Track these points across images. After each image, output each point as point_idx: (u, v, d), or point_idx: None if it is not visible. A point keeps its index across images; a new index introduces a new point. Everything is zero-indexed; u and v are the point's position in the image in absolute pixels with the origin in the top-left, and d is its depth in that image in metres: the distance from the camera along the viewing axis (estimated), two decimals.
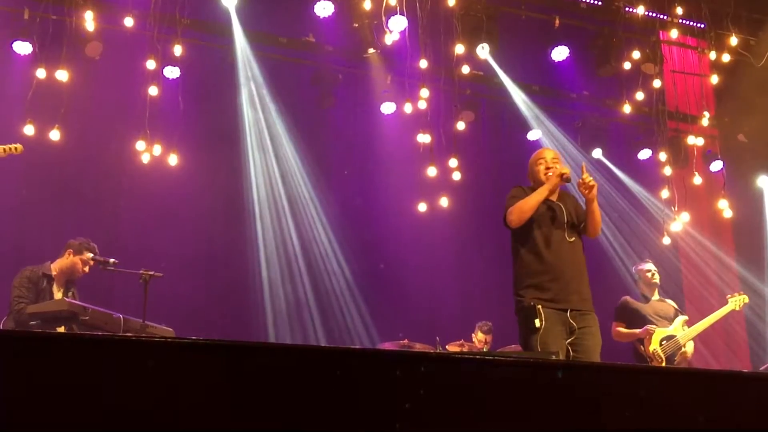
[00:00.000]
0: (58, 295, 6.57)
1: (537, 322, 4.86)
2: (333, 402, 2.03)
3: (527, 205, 5.20)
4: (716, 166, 10.39)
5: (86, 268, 6.66)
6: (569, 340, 4.95)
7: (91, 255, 6.61)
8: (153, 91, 8.51)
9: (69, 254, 6.61)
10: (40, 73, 8.14)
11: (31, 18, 8.28)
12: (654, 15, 10.33)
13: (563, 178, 5.28)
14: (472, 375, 2.24)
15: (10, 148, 6.27)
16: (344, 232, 10.08)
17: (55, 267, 6.61)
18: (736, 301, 7.72)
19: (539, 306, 4.93)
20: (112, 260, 6.51)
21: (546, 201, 5.29)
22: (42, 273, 6.51)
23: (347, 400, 2.05)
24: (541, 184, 5.35)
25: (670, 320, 7.37)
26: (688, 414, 2.47)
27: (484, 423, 2.17)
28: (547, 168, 5.40)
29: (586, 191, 5.24)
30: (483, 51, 9.47)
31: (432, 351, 7.90)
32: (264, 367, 2.02)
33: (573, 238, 5.24)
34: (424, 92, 9.40)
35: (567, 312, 5.00)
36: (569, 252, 5.19)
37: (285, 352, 2.14)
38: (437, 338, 8.15)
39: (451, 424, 2.13)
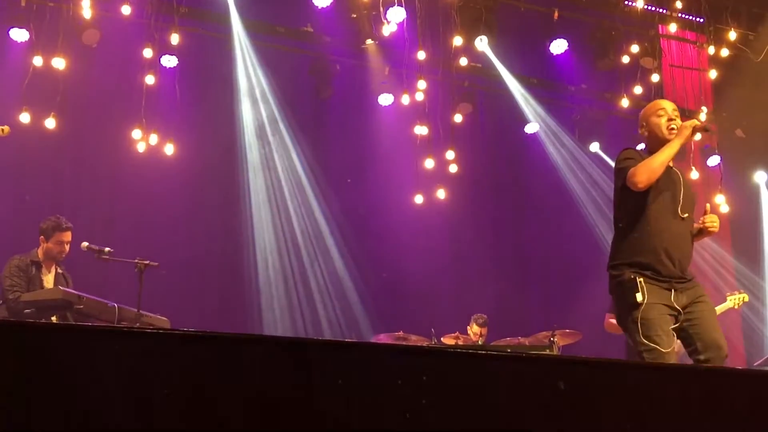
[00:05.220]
0: (47, 279, 6.58)
1: (639, 296, 4.35)
2: (330, 407, 2.02)
3: (657, 161, 4.46)
4: (714, 161, 10.37)
5: (63, 248, 6.60)
6: (682, 319, 4.44)
7: (65, 234, 6.57)
8: (150, 79, 8.49)
9: (42, 241, 6.60)
10: (37, 61, 8.10)
11: (27, 5, 8.23)
12: (653, 9, 10.32)
13: (699, 129, 4.56)
14: (478, 377, 2.22)
15: None
16: (340, 224, 10.07)
17: (40, 252, 6.60)
18: (735, 300, 7.49)
19: (641, 279, 4.39)
20: (107, 249, 6.49)
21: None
22: (30, 260, 6.50)
23: (345, 406, 2.04)
24: (659, 139, 4.61)
25: None
26: (682, 410, 2.47)
27: (487, 425, 2.16)
28: (670, 120, 4.62)
29: (707, 232, 4.71)
30: (481, 43, 9.46)
31: (432, 346, 7.89)
32: (258, 363, 2.01)
33: (686, 215, 4.58)
34: (422, 84, 9.39)
35: (671, 292, 4.44)
36: (679, 229, 4.58)
37: (280, 348, 2.12)
38: (432, 330, 8.15)
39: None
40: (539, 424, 2.23)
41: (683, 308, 4.46)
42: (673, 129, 4.60)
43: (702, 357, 4.40)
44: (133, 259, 6.39)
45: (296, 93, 9.94)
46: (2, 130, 6.08)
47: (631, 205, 4.57)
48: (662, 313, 4.39)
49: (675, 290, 4.46)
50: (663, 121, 4.62)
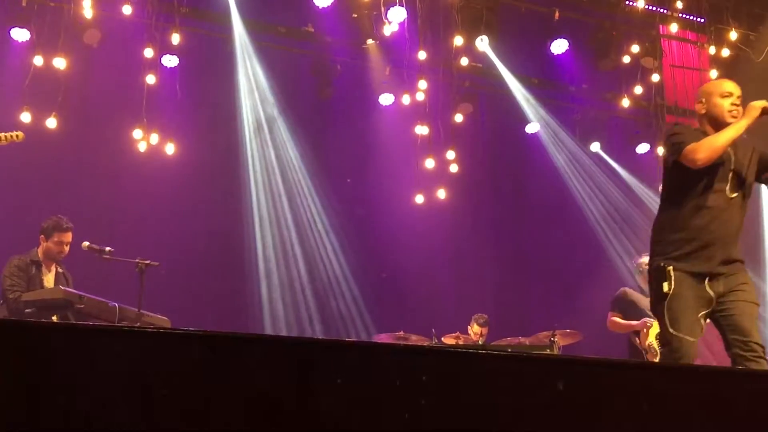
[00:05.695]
0: (48, 278, 6.59)
1: (665, 286, 4.23)
2: (329, 407, 2.02)
3: (721, 140, 4.30)
4: None
5: (62, 249, 6.61)
6: (715, 308, 4.30)
7: (66, 235, 6.57)
8: (151, 79, 8.49)
9: (42, 240, 6.61)
10: (38, 61, 8.10)
11: (28, 5, 8.22)
12: (654, 9, 10.31)
13: None
14: (478, 377, 2.22)
15: (11, 136, 6.22)
16: (341, 224, 10.07)
17: (40, 251, 6.61)
18: None
19: (669, 268, 4.26)
20: (107, 249, 6.50)
21: None
22: (30, 260, 6.51)
23: (345, 406, 2.04)
24: (717, 120, 4.46)
25: None
26: (682, 410, 2.46)
27: (487, 425, 2.16)
28: (734, 105, 4.48)
29: None
30: (482, 43, 9.45)
31: (432, 346, 7.89)
32: (258, 363, 2.01)
33: (735, 195, 4.39)
34: (423, 84, 9.40)
35: (705, 279, 4.30)
36: (726, 211, 4.37)
37: (280, 347, 2.12)
38: (433, 330, 8.15)
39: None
40: (539, 424, 2.23)
41: (719, 297, 4.31)
42: (734, 113, 4.45)
43: (731, 351, 4.25)
44: (133, 259, 6.39)
45: (297, 93, 9.94)
46: (17, 135, 6.13)
47: (677, 181, 4.43)
48: (689, 304, 4.27)
49: (710, 278, 4.32)
50: (727, 103, 4.48)
